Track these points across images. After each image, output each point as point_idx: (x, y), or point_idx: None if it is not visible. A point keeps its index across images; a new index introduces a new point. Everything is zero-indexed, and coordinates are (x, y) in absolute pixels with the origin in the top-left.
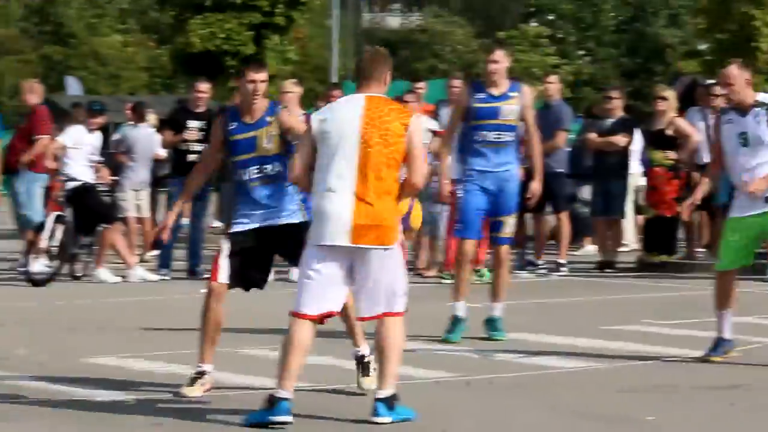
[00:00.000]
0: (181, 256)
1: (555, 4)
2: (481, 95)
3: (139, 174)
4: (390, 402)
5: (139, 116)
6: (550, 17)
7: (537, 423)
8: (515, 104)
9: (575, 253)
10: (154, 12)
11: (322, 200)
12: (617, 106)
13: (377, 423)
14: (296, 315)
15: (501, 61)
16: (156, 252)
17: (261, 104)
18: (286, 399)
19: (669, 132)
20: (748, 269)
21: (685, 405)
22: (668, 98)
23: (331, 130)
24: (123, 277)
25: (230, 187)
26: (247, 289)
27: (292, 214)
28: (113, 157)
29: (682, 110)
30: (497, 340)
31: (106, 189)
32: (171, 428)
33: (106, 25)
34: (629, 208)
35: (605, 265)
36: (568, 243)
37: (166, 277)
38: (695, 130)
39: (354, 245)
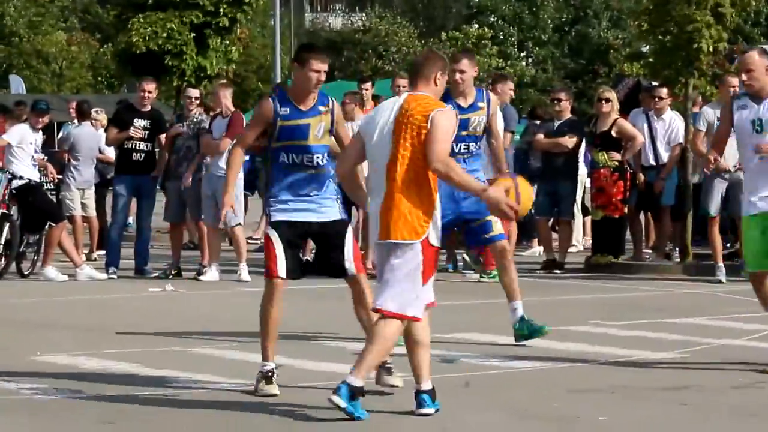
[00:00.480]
0: (128, 255)
1: (496, 4)
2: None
3: (83, 173)
4: (353, 392)
5: (82, 115)
6: (492, 19)
7: (489, 423)
8: (483, 114)
9: (523, 253)
10: (96, 10)
11: (369, 199)
12: (565, 108)
13: (332, 401)
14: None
15: (467, 70)
16: (103, 251)
17: (315, 93)
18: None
19: (614, 134)
20: (702, 270)
21: (637, 405)
22: (612, 100)
23: (370, 131)
24: (70, 275)
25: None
26: (302, 276)
27: (330, 209)
28: (58, 156)
29: (625, 112)
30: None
31: (52, 188)
32: (123, 426)
33: (48, 23)
34: (577, 209)
35: (550, 264)
36: (515, 243)
37: (114, 276)
38: (639, 131)
39: (380, 241)
